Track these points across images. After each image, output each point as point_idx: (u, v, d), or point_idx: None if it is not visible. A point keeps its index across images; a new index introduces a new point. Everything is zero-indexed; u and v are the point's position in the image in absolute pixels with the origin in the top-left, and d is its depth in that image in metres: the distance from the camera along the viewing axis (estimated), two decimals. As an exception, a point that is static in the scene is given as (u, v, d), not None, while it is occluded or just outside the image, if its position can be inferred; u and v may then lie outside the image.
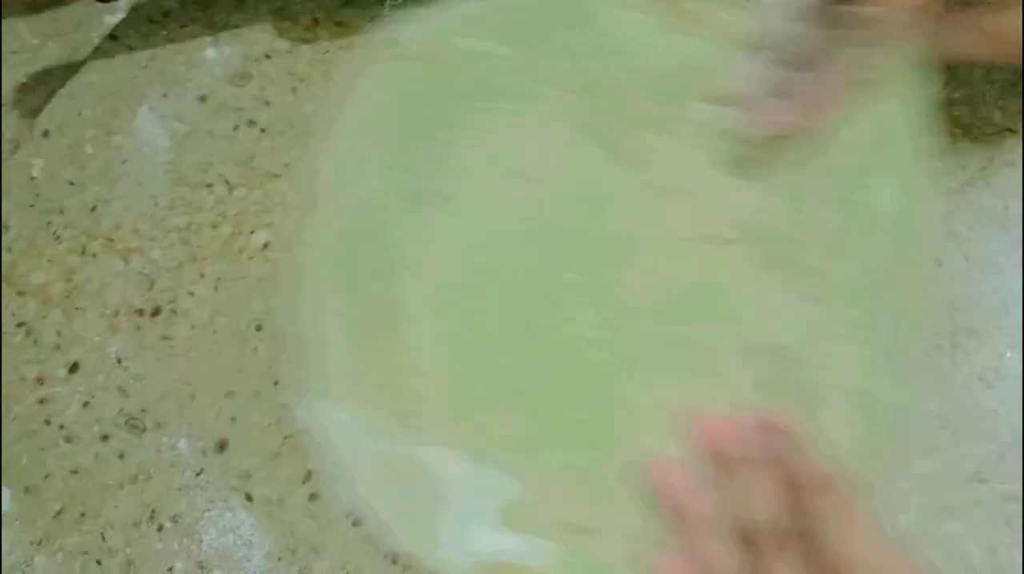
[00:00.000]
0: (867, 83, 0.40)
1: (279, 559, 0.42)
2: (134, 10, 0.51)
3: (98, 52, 0.51)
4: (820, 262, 0.43)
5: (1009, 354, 0.43)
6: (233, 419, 0.44)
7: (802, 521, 0.35)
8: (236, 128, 0.49)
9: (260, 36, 0.50)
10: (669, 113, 0.45)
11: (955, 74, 0.47)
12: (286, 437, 0.44)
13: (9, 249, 0.47)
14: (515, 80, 0.47)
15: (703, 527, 0.36)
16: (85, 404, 0.45)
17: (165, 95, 0.49)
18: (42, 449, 0.44)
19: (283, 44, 0.50)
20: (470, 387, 0.43)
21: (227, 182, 0.48)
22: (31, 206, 0.48)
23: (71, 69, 0.50)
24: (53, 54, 0.51)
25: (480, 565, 0.39)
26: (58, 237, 0.47)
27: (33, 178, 0.48)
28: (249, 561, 0.42)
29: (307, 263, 0.44)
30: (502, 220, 0.45)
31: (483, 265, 0.44)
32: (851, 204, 0.43)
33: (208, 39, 0.50)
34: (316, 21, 0.50)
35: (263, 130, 0.49)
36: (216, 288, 0.46)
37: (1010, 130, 0.46)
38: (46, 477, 0.44)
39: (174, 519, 0.43)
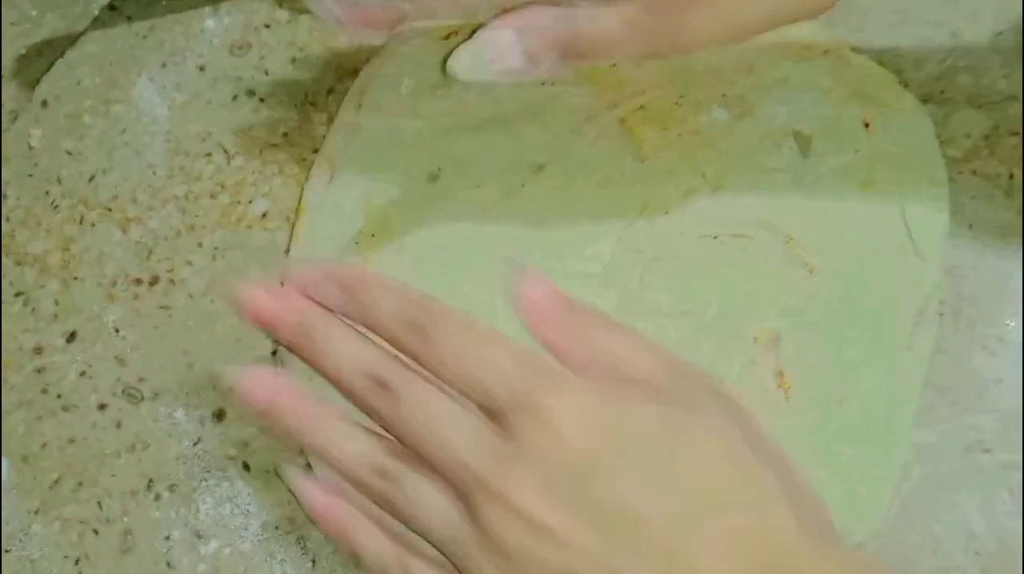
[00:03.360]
0: None
1: (276, 528, 0.42)
2: (133, -20, 0.51)
3: (97, 22, 0.50)
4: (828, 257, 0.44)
5: (1012, 323, 0.43)
6: (231, 389, 0.44)
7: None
8: (235, 98, 0.49)
9: (260, 6, 0.50)
10: (692, 114, 0.46)
11: (959, 42, 0.47)
12: (284, 406, 0.43)
13: (7, 219, 0.47)
14: None
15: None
16: (82, 373, 0.45)
17: (164, 65, 0.49)
18: (39, 418, 0.44)
19: (283, 14, 0.50)
20: None
21: (225, 151, 0.48)
22: (29, 176, 0.48)
23: (70, 39, 0.50)
24: (52, 24, 0.51)
25: None
26: (56, 207, 0.47)
27: (32, 148, 0.48)
28: (246, 530, 0.42)
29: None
30: (514, 206, 0.45)
31: (492, 249, 0.44)
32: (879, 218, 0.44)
33: (207, 9, 0.50)
34: (315, -9, 0.50)
35: (262, 100, 0.49)
36: (214, 257, 0.46)
37: (1015, 98, 0.45)
38: (43, 446, 0.44)
39: (171, 488, 0.43)
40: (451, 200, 0.45)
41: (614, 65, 0.47)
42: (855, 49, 0.46)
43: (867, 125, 0.45)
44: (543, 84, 0.46)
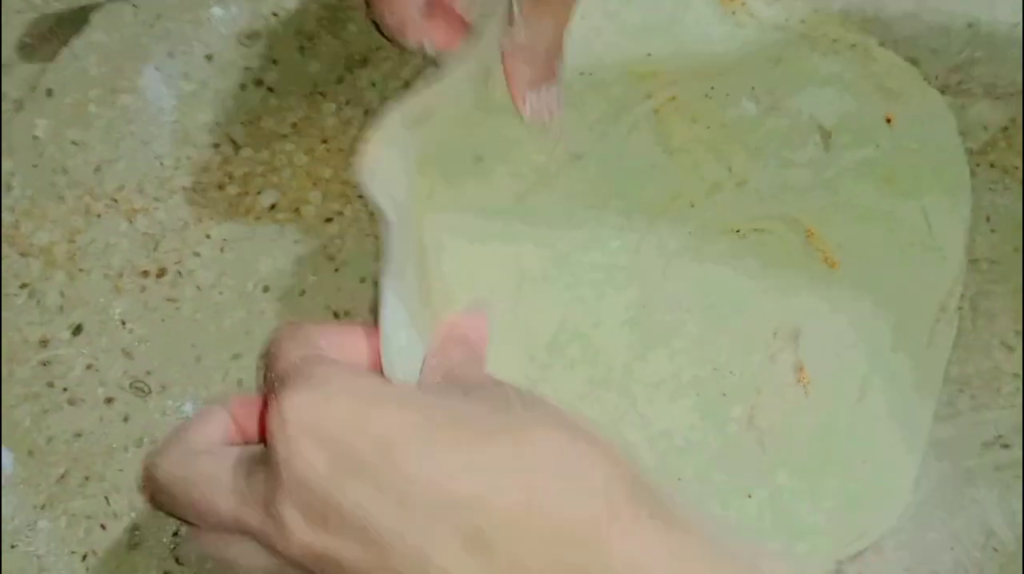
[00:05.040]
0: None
1: (286, 523, 0.41)
2: (140, -32, 0.50)
3: (103, 11, 0.50)
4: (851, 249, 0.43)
5: (1032, 316, 0.42)
6: (240, 382, 0.43)
7: None
8: (243, 87, 0.48)
9: (267, -6, 0.49)
10: (720, 106, 0.46)
11: (977, 33, 0.46)
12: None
13: (12, 210, 0.46)
14: (579, 59, 0.47)
15: None
16: (89, 366, 0.44)
17: (171, 54, 0.49)
18: (45, 412, 0.43)
19: (291, 2, 0.49)
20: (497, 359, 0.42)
21: (233, 142, 0.47)
22: (34, 166, 0.47)
23: (75, 28, 0.49)
24: (57, 12, 0.50)
25: None
26: (62, 198, 0.47)
27: (37, 138, 0.48)
28: (256, 525, 0.42)
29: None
30: (547, 195, 0.45)
31: (522, 238, 0.44)
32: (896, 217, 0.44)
33: (215, -3, 0.49)
34: (325, -21, 0.49)
35: (270, 89, 0.48)
36: (222, 249, 0.46)
37: (1032, 90, 0.45)
38: (49, 440, 0.43)
39: (180, 483, 0.42)
40: (489, 184, 0.45)
41: (649, 55, 0.47)
42: (882, 44, 0.46)
43: (889, 120, 0.45)
44: (581, 74, 0.46)
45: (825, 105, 0.45)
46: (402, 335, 0.36)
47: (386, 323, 0.36)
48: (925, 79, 0.46)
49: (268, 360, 0.37)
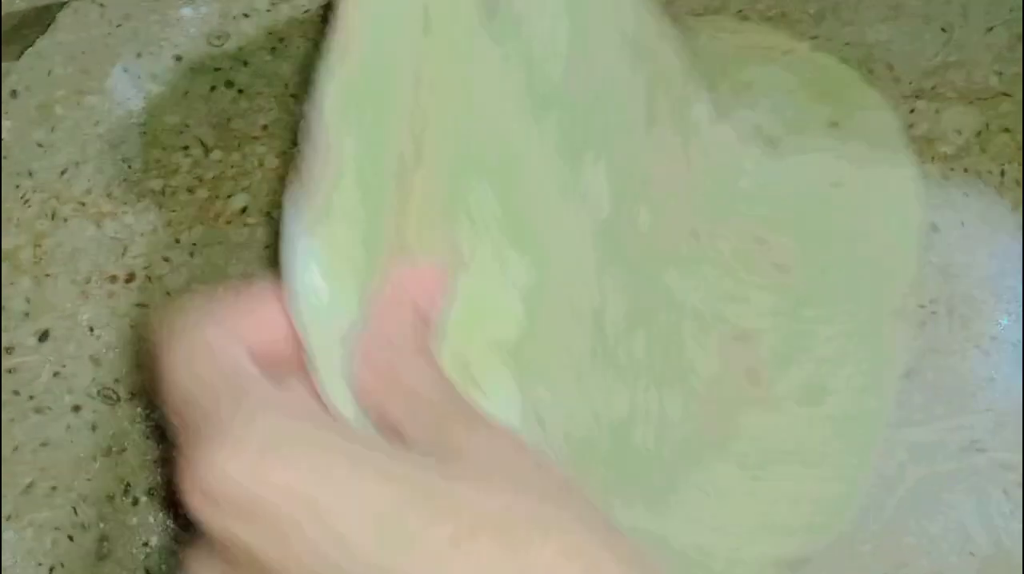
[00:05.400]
0: None
1: (258, 533, 0.41)
2: (107, -34, 0.50)
3: (69, 10, 0.49)
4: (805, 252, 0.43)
5: (1006, 320, 0.43)
6: (211, 389, 0.43)
7: None
8: (213, 89, 0.48)
9: (238, -5, 0.49)
10: (669, 118, 0.45)
11: (951, 37, 0.46)
12: (266, 407, 0.42)
13: (-24, 213, 0.46)
14: None
15: None
16: (56, 374, 0.43)
17: (139, 55, 0.48)
18: (11, 420, 0.43)
19: (262, 3, 0.49)
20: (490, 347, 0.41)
21: (203, 144, 0.47)
22: (-1, 169, 0.46)
23: (41, 27, 0.49)
24: (22, 11, 0.50)
25: None
26: (27, 201, 0.46)
27: (1, 140, 0.47)
28: (227, 534, 0.41)
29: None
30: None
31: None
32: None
33: (184, -3, 0.49)
34: (296, -20, 0.49)
35: (240, 91, 0.47)
36: (192, 254, 0.45)
37: (1006, 94, 0.45)
38: (15, 449, 0.42)
39: (149, 493, 0.42)
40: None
41: None
42: (848, 44, 0.46)
43: (835, 124, 0.45)
44: None
45: (769, 113, 0.45)
46: (322, 291, 0.29)
47: (297, 277, 0.29)
48: (896, 81, 0.46)
49: (160, 382, 0.29)
